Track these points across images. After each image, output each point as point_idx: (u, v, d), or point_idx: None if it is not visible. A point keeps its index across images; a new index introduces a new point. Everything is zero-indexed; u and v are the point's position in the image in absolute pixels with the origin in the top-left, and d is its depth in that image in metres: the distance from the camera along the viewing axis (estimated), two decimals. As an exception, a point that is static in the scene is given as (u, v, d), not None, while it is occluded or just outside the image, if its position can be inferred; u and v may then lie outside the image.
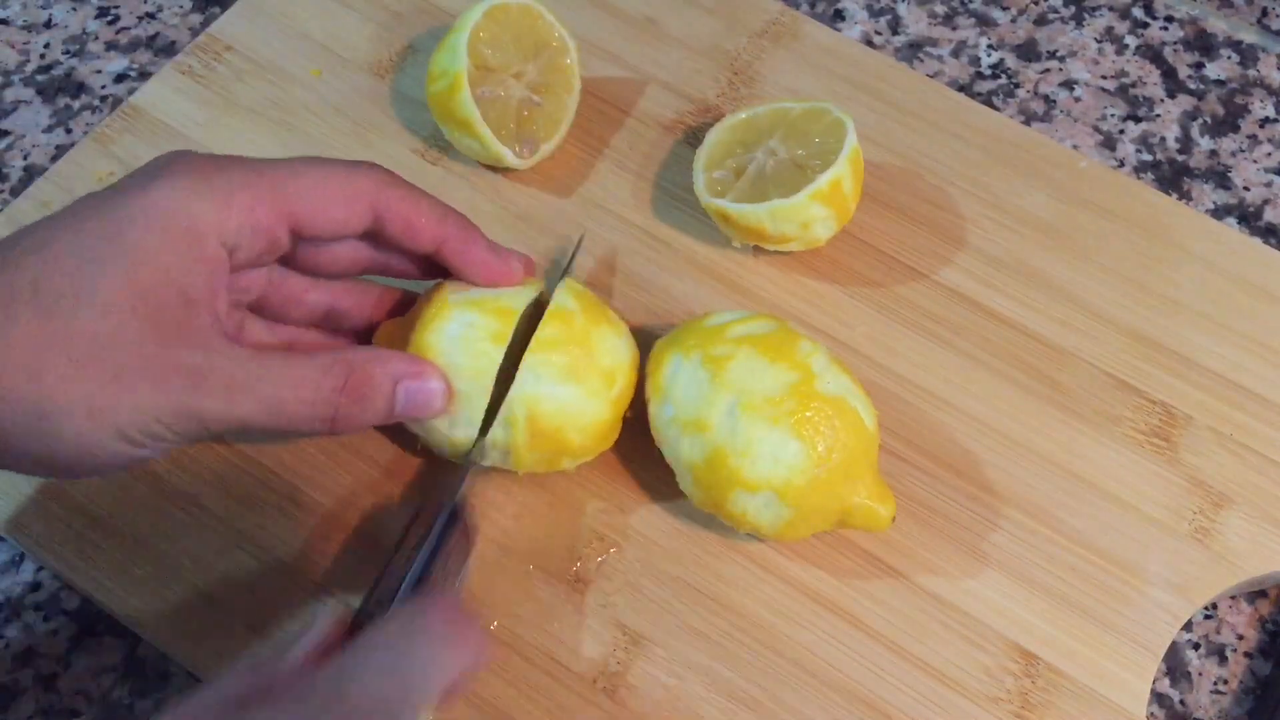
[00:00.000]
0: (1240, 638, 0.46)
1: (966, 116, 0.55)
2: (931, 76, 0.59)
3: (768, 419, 0.39)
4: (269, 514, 0.44)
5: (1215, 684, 0.45)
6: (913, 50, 0.60)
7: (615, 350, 0.42)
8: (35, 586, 0.45)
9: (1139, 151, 0.57)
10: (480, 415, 0.40)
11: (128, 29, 0.60)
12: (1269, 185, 0.56)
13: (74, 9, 0.60)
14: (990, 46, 0.60)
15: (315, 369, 0.36)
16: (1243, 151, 0.57)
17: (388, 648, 0.31)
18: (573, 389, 0.40)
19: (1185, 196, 0.56)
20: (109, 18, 0.60)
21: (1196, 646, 0.46)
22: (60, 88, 0.58)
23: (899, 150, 0.54)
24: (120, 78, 0.58)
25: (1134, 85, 0.59)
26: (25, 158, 0.56)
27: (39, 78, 0.58)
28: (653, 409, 0.42)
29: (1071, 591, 0.44)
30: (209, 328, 0.35)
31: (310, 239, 0.39)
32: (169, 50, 0.59)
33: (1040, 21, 0.61)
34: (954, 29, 0.61)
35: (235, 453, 0.45)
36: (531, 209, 0.52)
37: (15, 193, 0.54)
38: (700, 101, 0.55)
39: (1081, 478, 0.46)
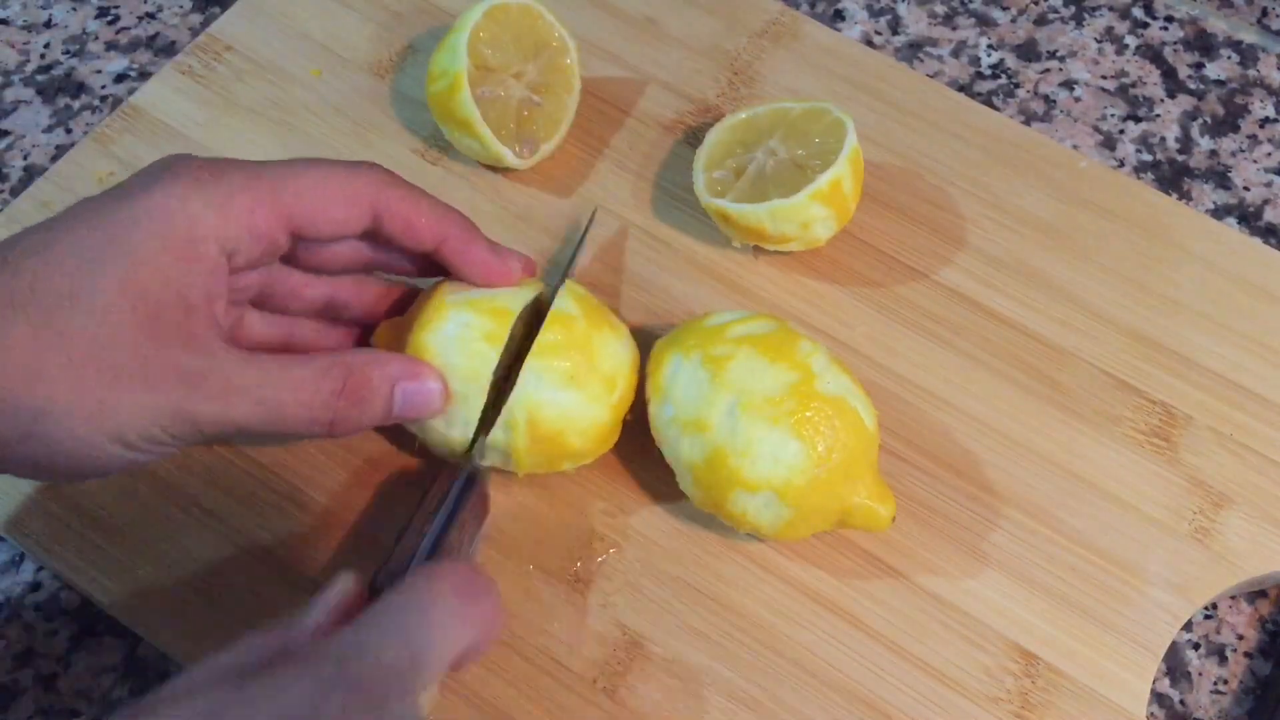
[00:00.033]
0: (1240, 638, 0.46)
1: (966, 116, 0.55)
2: (931, 76, 0.59)
3: (768, 419, 0.39)
4: (269, 513, 0.44)
5: (1215, 684, 0.45)
6: (913, 50, 0.60)
7: (616, 354, 0.42)
8: (35, 586, 0.45)
9: (1139, 151, 0.57)
10: (476, 415, 0.40)
11: (128, 29, 0.60)
12: (1269, 185, 0.56)
13: (74, 9, 0.60)
14: (990, 46, 0.60)
15: (313, 372, 0.36)
16: (1243, 151, 0.57)
17: (401, 615, 0.31)
18: (574, 394, 0.41)
19: (1185, 196, 0.56)
20: (109, 18, 0.60)
21: (1196, 646, 0.46)
22: (60, 88, 0.58)
23: (899, 150, 0.54)
24: (120, 78, 0.58)
25: (1134, 85, 0.59)
26: (25, 158, 0.56)
27: (39, 78, 0.58)
28: (653, 409, 0.42)
29: (1071, 591, 0.44)
30: (207, 332, 0.35)
31: (310, 240, 0.39)
32: (169, 50, 0.59)
33: (1040, 21, 0.61)
34: (954, 29, 0.61)
35: (235, 453, 0.45)
36: (531, 209, 0.52)
37: (15, 193, 0.54)
38: (700, 101, 0.55)
39: (1081, 478, 0.46)
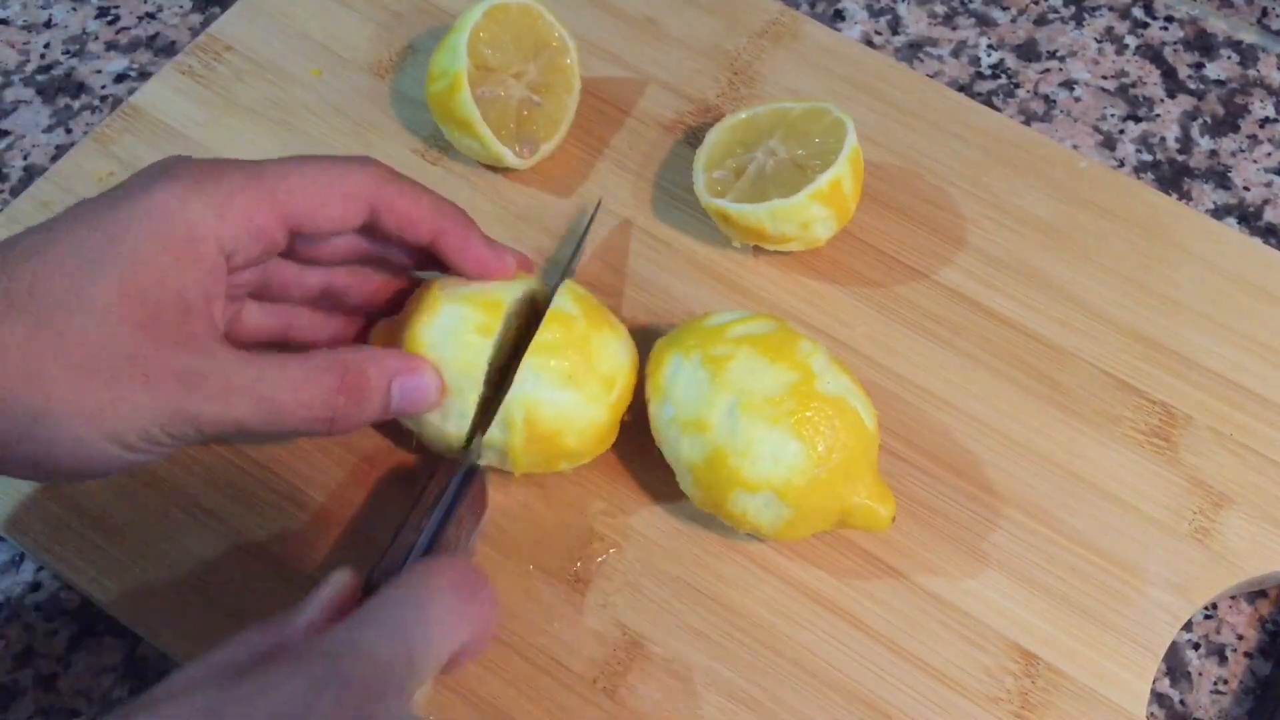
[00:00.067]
0: (1240, 638, 0.46)
1: (966, 116, 0.55)
2: (931, 76, 0.59)
3: (768, 419, 0.39)
4: (268, 512, 0.44)
5: (1215, 684, 0.45)
6: (913, 50, 0.60)
7: (615, 354, 0.42)
8: (35, 586, 0.45)
9: (1139, 151, 0.57)
10: (472, 408, 0.40)
11: (128, 29, 0.60)
12: (1269, 185, 0.56)
13: (74, 9, 0.60)
14: (990, 46, 0.60)
15: (311, 370, 0.36)
16: (1243, 151, 0.57)
17: (396, 610, 0.31)
18: (572, 394, 0.41)
19: (1185, 196, 0.56)
20: (109, 18, 0.60)
21: (1196, 646, 0.46)
22: (60, 88, 0.58)
23: (899, 150, 0.54)
24: (120, 78, 0.58)
25: (1134, 85, 0.59)
26: (25, 158, 0.56)
27: (39, 78, 0.58)
28: (653, 409, 0.42)
29: (1071, 591, 0.44)
30: (206, 332, 0.35)
31: (308, 236, 0.39)
32: (169, 50, 0.59)
33: (1040, 21, 0.61)
34: (954, 29, 0.61)
35: (235, 452, 0.45)
36: (531, 209, 0.52)
37: (15, 193, 0.54)
38: (700, 101, 0.55)
39: (1081, 478, 0.46)
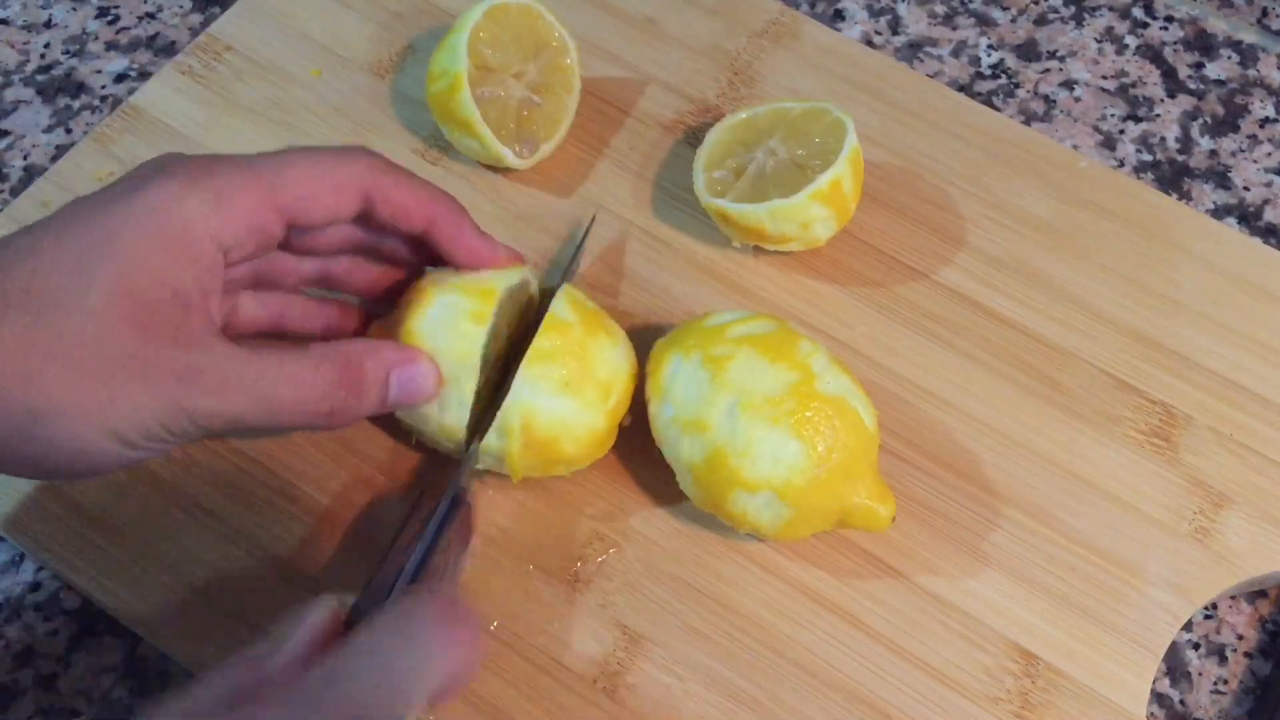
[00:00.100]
0: (1240, 638, 0.46)
1: (966, 116, 0.55)
2: (931, 76, 0.59)
3: (768, 419, 0.39)
4: (268, 512, 0.44)
5: (1215, 684, 0.45)
6: (913, 50, 0.60)
7: (612, 361, 0.42)
8: (35, 586, 0.45)
9: (1139, 151, 0.57)
10: (469, 398, 0.40)
11: (128, 29, 0.60)
12: (1269, 185, 0.56)
13: (74, 9, 0.60)
14: (990, 46, 0.60)
15: (309, 364, 0.36)
16: (1243, 151, 0.57)
17: (381, 645, 0.30)
18: (569, 401, 0.41)
19: (1185, 196, 0.56)
20: (109, 18, 0.60)
21: (1196, 646, 0.46)
22: (60, 88, 0.58)
23: (899, 150, 0.54)
24: (120, 78, 0.58)
25: (1134, 85, 0.59)
26: (25, 158, 0.56)
27: (39, 78, 0.58)
28: (653, 409, 0.42)
29: (1071, 591, 0.44)
30: (203, 328, 0.35)
31: (303, 227, 0.39)
32: (169, 50, 0.59)
33: (1040, 21, 0.61)
34: (954, 29, 0.61)
35: (234, 452, 0.45)
36: (531, 209, 0.52)
37: (15, 193, 0.54)
38: (700, 101, 0.55)
39: (1081, 478, 0.46)
